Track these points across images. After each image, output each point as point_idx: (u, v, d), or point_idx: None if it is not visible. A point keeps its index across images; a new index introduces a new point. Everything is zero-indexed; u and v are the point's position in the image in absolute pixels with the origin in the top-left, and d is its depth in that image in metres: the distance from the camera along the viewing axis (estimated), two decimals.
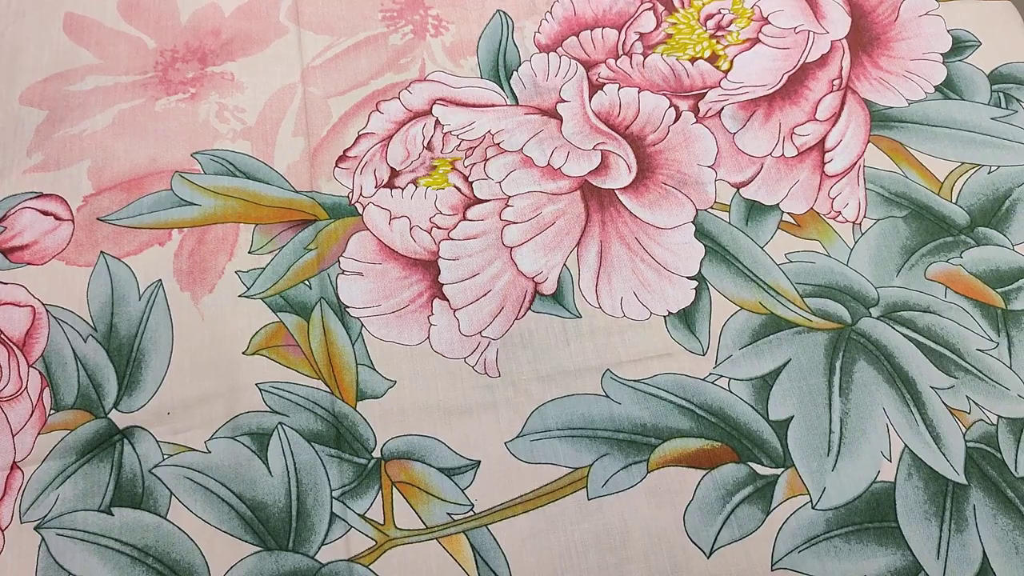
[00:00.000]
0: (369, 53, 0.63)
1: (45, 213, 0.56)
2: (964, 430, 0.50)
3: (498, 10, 0.65)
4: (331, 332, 0.53)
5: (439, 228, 0.56)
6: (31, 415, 0.50)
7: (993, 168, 0.57)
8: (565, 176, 0.58)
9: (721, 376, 0.52)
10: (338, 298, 0.54)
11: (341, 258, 0.55)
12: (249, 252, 0.55)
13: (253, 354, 0.53)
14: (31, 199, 0.57)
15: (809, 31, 0.63)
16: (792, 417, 0.51)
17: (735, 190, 0.57)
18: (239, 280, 0.55)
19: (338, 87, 0.62)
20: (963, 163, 0.58)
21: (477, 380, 0.52)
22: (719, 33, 0.63)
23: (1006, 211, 0.56)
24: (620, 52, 0.63)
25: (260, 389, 0.52)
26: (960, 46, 0.62)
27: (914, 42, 0.62)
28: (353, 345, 0.53)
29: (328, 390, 0.52)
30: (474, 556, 0.48)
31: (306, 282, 0.55)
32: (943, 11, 0.63)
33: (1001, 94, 0.60)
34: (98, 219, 0.56)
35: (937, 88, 0.61)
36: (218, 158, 0.58)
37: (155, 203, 0.57)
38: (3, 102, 0.60)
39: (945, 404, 0.51)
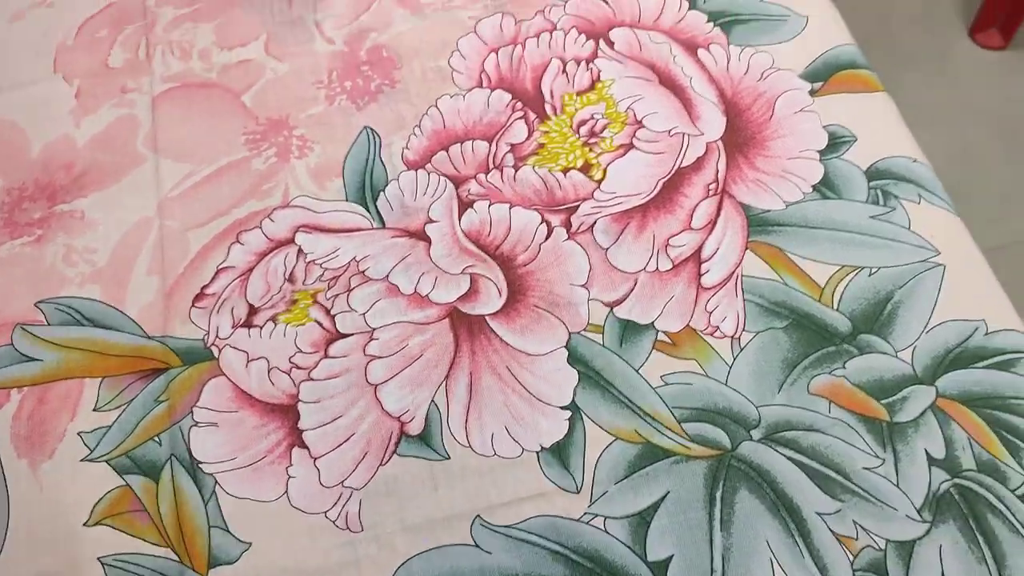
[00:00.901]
0: (231, 180, 0.61)
1: None
2: (852, 558, 0.48)
3: (365, 127, 0.63)
4: (182, 492, 0.50)
5: (299, 368, 0.53)
6: None
7: (874, 270, 0.56)
8: (433, 304, 0.55)
9: (596, 515, 0.49)
10: (190, 453, 0.51)
11: (194, 408, 0.52)
12: (94, 409, 0.52)
13: (95, 524, 0.49)
14: None
15: (684, 133, 0.61)
16: (672, 556, 0.48)
17: (608, 309, 0.55)
18: (81, 442, 0.51)
19: (198, 218, 0.59)
20: (843, 266, 0.56)
21: (338, 536, 0.49)
22: (592, 140, 0.61)
23: (888, 315, 0.54)
24: (491, 165, 0.61)
25: (102, 563, 0.48)
26: (836, 142, 0.61)
27: (790, 140, 0.61)
28: (206, 505, 0.50)
29: (177, 559, 0.48)
30: None
31: (156, 438, 0.51)
32: (817, 106, 0.62)
33: (879, 190, 0.59)
34: None
35: (815, 187, 0.59)
36: (63, 306, 0.55)
37: None
38: None
39: (832, 531, 0.48)
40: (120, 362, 0.53)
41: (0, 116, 0.62)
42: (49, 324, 0.55)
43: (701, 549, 0.48)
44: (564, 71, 0.65)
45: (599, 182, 0.60)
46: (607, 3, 0.68)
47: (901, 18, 1.66)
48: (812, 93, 0.63)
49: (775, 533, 0.48)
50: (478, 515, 0.49)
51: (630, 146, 0.61)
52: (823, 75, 0.64)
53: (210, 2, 0.68)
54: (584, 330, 0.54)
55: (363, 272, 0.56)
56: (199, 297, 0.56)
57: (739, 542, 0.48)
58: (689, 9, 0.67)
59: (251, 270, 0.57)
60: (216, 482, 0.50)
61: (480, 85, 0.64)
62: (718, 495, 0.50)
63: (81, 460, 0.51)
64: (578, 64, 0.65)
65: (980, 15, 1.59)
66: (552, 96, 0.64)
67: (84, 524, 0.49)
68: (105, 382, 0.53)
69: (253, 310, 0.55)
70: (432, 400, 0.52)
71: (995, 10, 1.57)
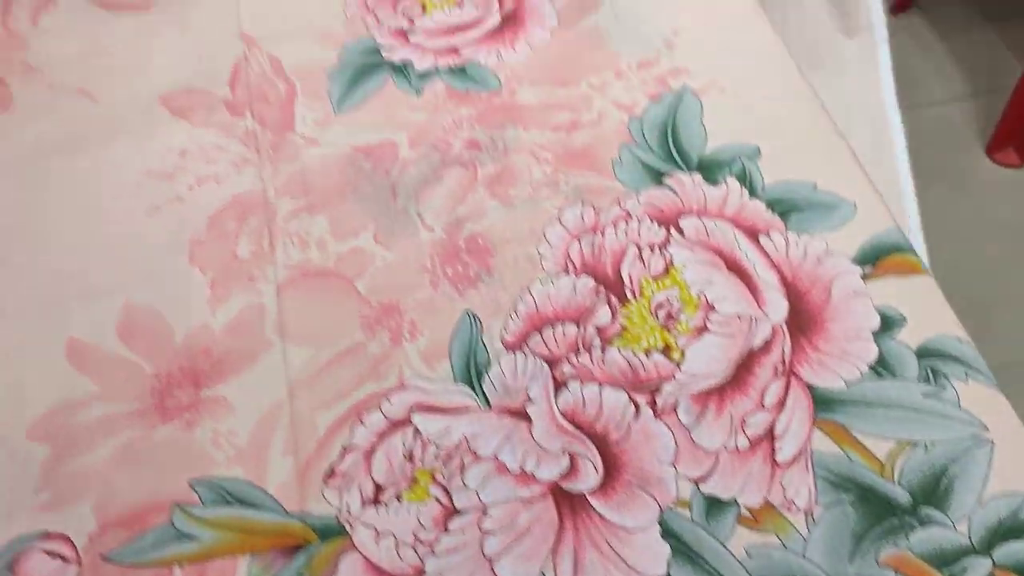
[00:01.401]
0: (351, 362, 0.69)
1: (52, 555, 0.60)
2: None
3: (466, 311, 0.71)
4: None
5: (422, 543, 0.60)
6: None
7: (929, 445, 0.63)
8: (538, 481, 0.62)
9: None
10: None
11: None
12: None
13: None
14: (40, 539, 0.61)
15: (752, 317, 0.69)
16: None
17: (695, 485, 0.62)
18: None
19: (324, 400, 0.67)
20: (901, 441, 0.63)
21: None
22: (669, 323, 0.69)
23: (944, 489, 0.61)
24: (580, 347, 0.68)
25: None
26: (888, 323, 0.68)
27: (847, 323, 0.68)
28: None
29: None
30: None
31: None
32: (870, 289, 0.70)
33: (929, 369, 0.66)
34: (102, 559, 0.60)
35: (871, 367, 0.66)
36: (215, 486, 0.63)
37: (156, 539, 0.61)
38: (10, 441, 0.65)
39: None
40: (266, 539, 0.60)
41: (145, 306, 0.71)
42: (203, 504, 0.62)
43: None
44: (640, 257, 0.73)
45: (679, 363, 0.67)
46: (675, 193, 0.76)
47: (921, 138, 1.76)
48: (864, 277, 0.71)
49: None
50: None
51: (704, 328, 0.69)
52: (871, 258, 0.72)
53: (322, 195, 0.77)
54: (674, 505, 0.61)
55: (473, 451, 0.64)
56: (330, 475, 0.63)
57: None
58: (749, 197, 0.76)
59: (373, 449, 0.64)
60: None
61: (566, 271, 0.72)
62: None
63: None
64: (652, 250, 0.73)
65: (996, 135, 1.68)
66: (631, 281, 0.72)
67: None
68: (254, 559, 0.60)
69: (379, 488, 0.63)
70: (541, 573, 0.59)
71: (1010, 130, 1.66)
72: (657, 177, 0.77)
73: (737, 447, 0.63)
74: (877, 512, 0.61)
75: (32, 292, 0.73)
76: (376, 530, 0.61)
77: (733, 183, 0.76)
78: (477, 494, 0.62)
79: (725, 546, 0.60)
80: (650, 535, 0.60)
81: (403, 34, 0.92)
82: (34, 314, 0.71)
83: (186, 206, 0.77)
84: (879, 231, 0.73)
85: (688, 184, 0.76)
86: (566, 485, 0.62)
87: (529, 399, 0.66)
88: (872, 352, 0.67)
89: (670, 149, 0.78)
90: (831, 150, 0.77)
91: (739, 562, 0.59)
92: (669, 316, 0.70)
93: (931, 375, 0.66)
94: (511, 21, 0.93)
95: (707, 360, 0.67)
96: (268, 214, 0.76)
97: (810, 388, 0.66)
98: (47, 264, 0.75)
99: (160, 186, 0.79)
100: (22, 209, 0.79)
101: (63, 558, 0.61)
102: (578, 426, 0.64)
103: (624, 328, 0.69)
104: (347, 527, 0.61)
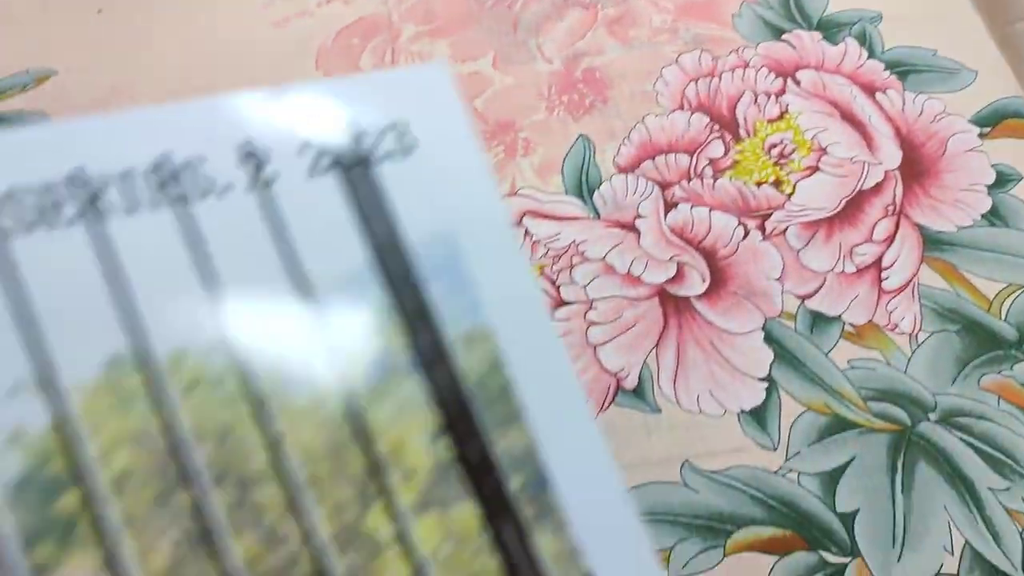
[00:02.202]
0: None
1: None
2: (1020, 529, 0.54)
3: (581, 134, 0.72)
4: None
5: None
6: None
7: None
8: (644, 283, 0.63)
9: (791, 470, 0.56)
10: None
11: None
12: None
13: None
14: None
15: (864, 161, 0.69)
16: (858, 510, 0.55)
17: (800, 301, 0.62)
18: None
19: None
20: (1010, 284, 0.63)
21: None
22: (782, 161, 0.70)
23: None
24: (692, 175, 0.69)
25: None
26: (1003, 179, 0.68)
27: (961, 175, 0.69)
28: None
29: None
30: None
31: None
32: (986, 147, 0.70)
33: None
34: None
35: (984, 216, 0.66)
36: None
37: None
38: None
39: (1002, 504, 0.54)
40: None
41: None
42: None
43: (885, 507, 0.55)
44: (756, 102, 0.73)
45: (789, 196, 0.68)
46: (794, 47, 0.77)
47: None
48: (980, 136, 0.71)
49: (951, 500, 0.55)
50: (686, 460, 0.57)
51: (816, 168, 0.69)
52: (991, 121, 0.72)
53: (445, 22, 0.79)
54: (778, 317, 0.62)
55: (582, 253, 0.65)
56: None
57: (919, 504, 0.55)
58: (868, 58, 0.76)
59: None
60: None
61: (681, 108, 0.73)
62: (899, 463, 0.56)
63: None
64: (768, 97, 0.74)
65: None
66: (745, 122, 0.72)
67: None
68: None
69: None
70: (644, 363, 0.60)
71: None
72: (776, 33, 0.78)
73: (844, 271, 0.64)
74: (982, 343, 0.61)
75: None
76: None
77: (852, 43, 0.77)
78: (584, 290, 0.63)
79: (828, 356, 0.60)
80: (754, 339, 0.61)
81: None
82: None
83: (314, 20, 0.79)
84: (1000, 97, 0.73)
85: (807, 40, 0.77)
86: (672, 289, 0.63)
87: (639, 215, 0.67)
88: (986, 203, 0.67)
89: (791, 7, 0.79)
90: (957, 19, 0.77)
91: (840, 371, 0.59)
92: (782, 155, 0.70)
93: None
94: None
95: (817, 195, 0.68)
96: (392, 35, 0.78)
97: (920, 229, 0.66)
98: (166, 78, 0.78)
99: (288, 2, 0.81)
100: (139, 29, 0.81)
101: None
102: (686, 241, 0.65)
103: (736, 162, 0.70)
104: None
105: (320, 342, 0.31)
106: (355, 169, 0.34)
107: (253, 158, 0.32)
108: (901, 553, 0.53)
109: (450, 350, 0.32)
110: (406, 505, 0.30)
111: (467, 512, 0.31)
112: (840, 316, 0.62)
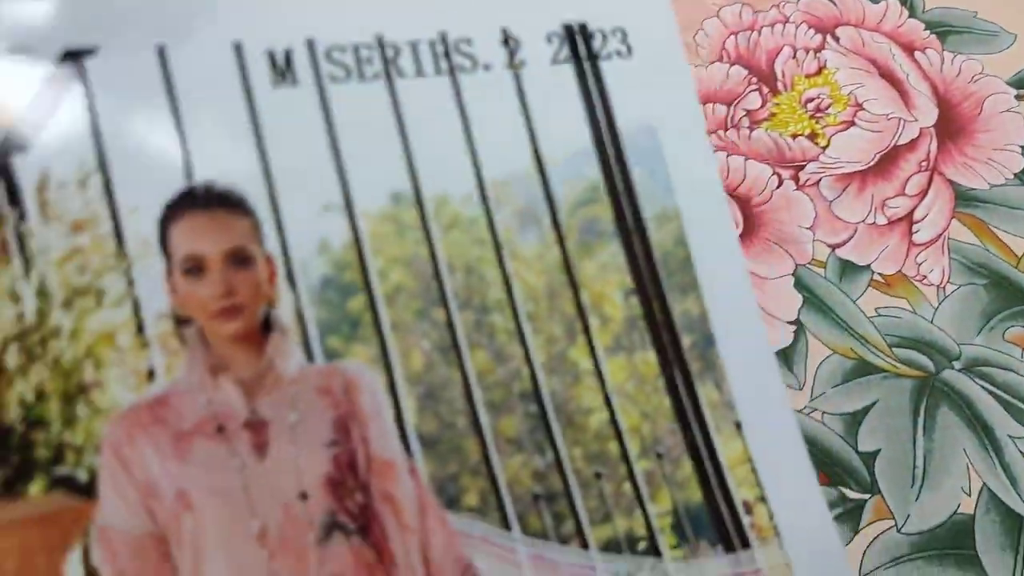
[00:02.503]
0: None
1: None
2: None
3: None
4: None
5: None
6: None
7: None
8: None
9: (815, 409, 0.57)
10: None
11: None
12: None
13: None
14: None
15: (900, 119, 0.70)
16: (879, 450, 0.56)
17: (831, 250, 0.64)
18: None
19: None
20: None
21: None
22: (818, 114, 0.71)
23: None
24: (728, 125, 0.70)
25: None
26: None
27: (996, 134, 0.69)
28: None
29: None
30: None
31: None
32: (1022, 109, 0.71)
33: None
34: None
35: (1016, 175, 0.67)
36: None
37: None
38: None
39: (1020, 451, 0.56)
40: None
41: None
42: None
43: (905, 448, 0.56)
44: (794, 56, 0.74)
45: (824, 148, 0.69)
46: (835, 4, 0.77)
47: None
48: (1017, 98, 0.71)
49: (971, 444, 0.56)
50: None
51: (852, 123, 0.70)
52: None
53: None
54: (809, 264, 0.63)
55: None
56: None
57: (939, 447, 0.56)
58: (908, 17, 0.76)
59: None
60: None
61: (720, 60, 0.74)
62: (922, 407, 0.58)
63: None
64: (807, 52, 0.75)
65: None
66: (783, 75, 0.73)
67: None
68: None
69: None
70: None
71: None
72: None
73: (875, 223, 0.65)
74: (1008, 297, 0.62)
75: None
76: None
77: (893, 2, 0.77)
78: None
79: (856, 303, 0.61)
80: (784, 284, 0.62)
81: None
82: None
83: None
84: None
85: None
86: None
87: None
88: (1019, 162, 0.68)
89: None
90: None
91: (867, 318, 0.61)
92: (818, 109, 0.71)
93: None
94: None
95: (852, 149, 0.69)
96: None
97: (953, 185, 0.67)
98: None
99: None
100: None
101: None
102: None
103: (773, 115, 0.71)
104: None
105: (547, 204, 0.42)
106: (586, 63, 0.46)
107: (511, 42, 0.42)
108: (919, 492, 0.54)
109: (645, 224, 0.42)
110: (602, 346, 0.39)
111: (648, 359, 0.41)
112: (869, 265, 0.63)
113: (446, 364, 0.37)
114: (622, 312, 0.40)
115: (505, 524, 0.43)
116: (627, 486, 0.43)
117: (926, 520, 0.53)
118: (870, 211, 0.65)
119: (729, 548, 0.48)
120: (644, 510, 0.44)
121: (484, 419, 0.39)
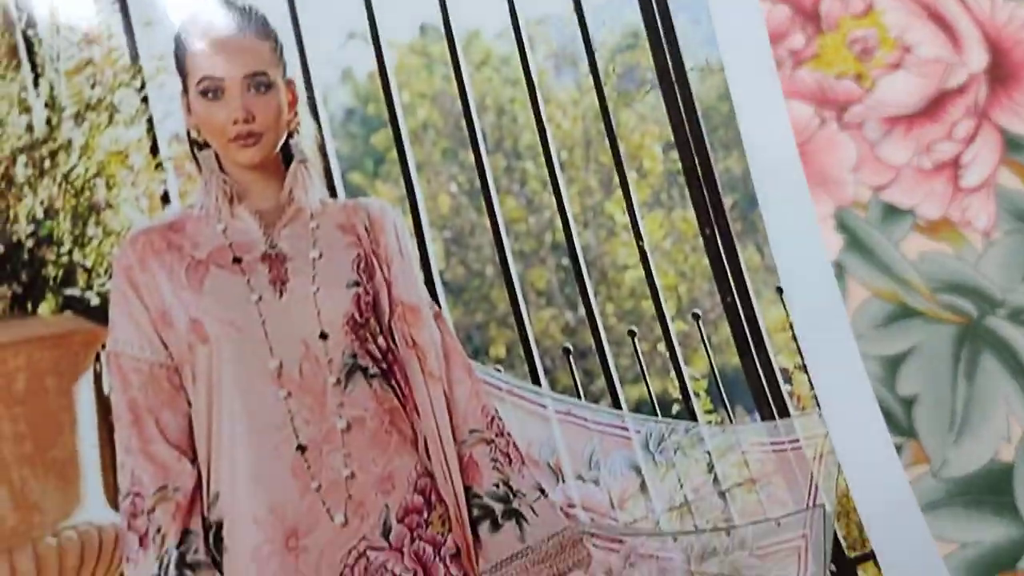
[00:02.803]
0: None
1: None
2: None
3: None
4: None
5: None
6: None
7: None
8: None
9: None
10: None
11: None
12: None
13: None
14: None
15: (949, 63, 0.68)
16: (918, 395, 0.55)
17: (873, 192, 0.62)
18: None
19: None
20: None
21: None
22: (863, 56, 0.68)
23: None
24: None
25: None
26: None
27: None
28: None
29: None
30: None
31: None
32: None
33: None
34: None
35: None
36: None
37: None
38: None
39: None
40: None
41: None
42: None
43: (945, 393, 0.55)
44: None
45: (869, 90, 0.67)
46: None
47: None
48: None
49: (1013, 392, 0.55)
50: None
51: (899, 65, 0.68)
52: None
53: None
54: (850, 206, 0.61)
55: None
56: None
57: (979, 394, 0.55)
58: None
59: None
60: None
61: None
62: (963, 353, 0.56)
63: None
64: None
65: None
66: (828, 16, 0.71)
67: None
68: None
69: None
70: None
71: None
72: None
73: (920, 166, 0.63)
74: None
75: None
76: None
77: None
78: None
79: (897, 246, 0.60)
80: (825, 225, 0.60)
81: None
82: None
83: None
84: None
85: None
86: None
87: None
88: None
89: None
90: None
91: (909, 262, 0.59)
92: (864, 50, 0.69)
93: None
94: None
95: (898, 92, 0.67)
96: None
97: (1002, 131, 0.65)
98: None
99: None
100: None
101: None
102: None
103: (817, 55, 0.69)
104: None
105: (584, 47, 0.40)
106: None
107: None
108: (958, 437, 0.53)
109: (687, 76, 0.40)
110: (639, 200, 0.37)
111: (687, 217, 0.39)
112: (912, 209, 0.61)
113: (474, 209, 0.35)
114: (661, 166, 0.38)
115: (534, 378, 0.42)
116: (661, 347, 0.42)
117: (963, 466, 0.52)
118: (916, 154, 0.63)
119: (766, 416, 0.47)
120: (679, 372, 0.43)
121: (514, 269, 0.37)
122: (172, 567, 0.47)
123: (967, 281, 0.58)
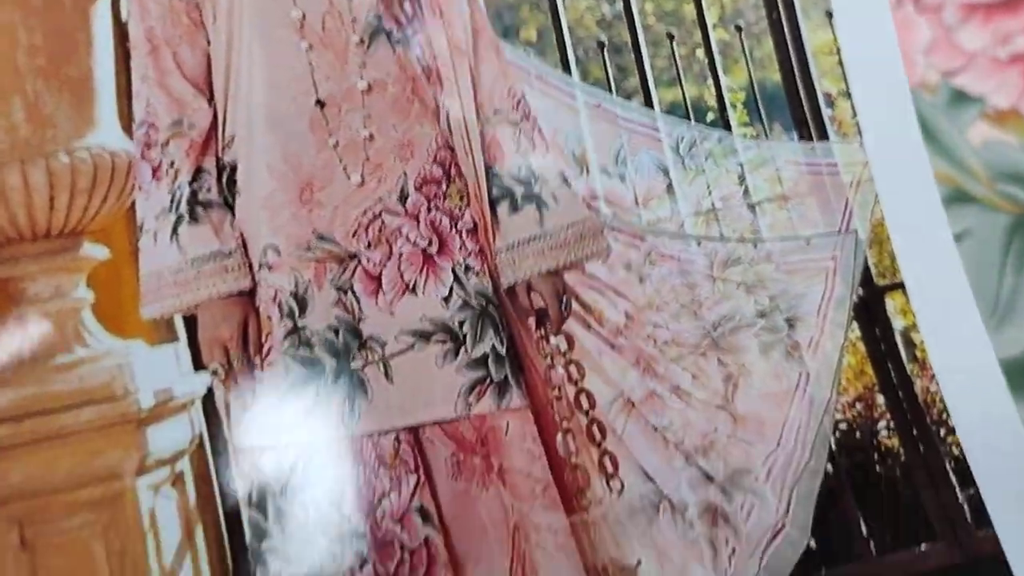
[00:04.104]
0: None
1: None
2: None
3: None
4: None
5: None
6: None
7: None
8: None
9: None
10: None
11: None
12: None
13: None
14: None
15: None
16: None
17: (943, 77, 0.60)
18: None
19: None
20: None
21: None
22: None
23: None
24: None
25: None
26: None
27: None
28: None
29: None
30: None
31: None
32: None
33: None
34: None
35: None
36: None
37: None
38: None
39: None
40: None
41: None
42: None
43: (991, 280, 0.54)
44: None
45: None
46: None
47: None
48: None
49: None
50: None
51: None
52: None
53: None
54: (918, 87, 0.59)
55: None
56: None
57: None
58: None
59: None
60: None
61: None
62: (1014, 244, 0.55)
63: None
64: None
65: None
66: None
67: None
68: None
69: None
70: None
71: None
72: None
73: (996, 56, 0.61)
74: None
75: None
76: None
77: None
78: None
79: (963, 132, 0.58)
80: None
81: None
82: None
83: None
84: None
85: None
86: None
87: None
88: None
89: None
90: None
91: (972, 148, 0.57)
92: None
93: None
94: None
95: None
96: None
97: None
98: None
99: None
100: None
101: None
102: None
103: None
104: None
105: None
106: None
107: None
108: (999, 324, 0.52)
109: None
110: None
111: None
112: (982, 97, 0.59)
113: None
114: None
115: (565, 67, 0.41)
116: (700, 53, 0.41)
117: (1002, 351, 0.51)
118: (992, 43, 0.61)
119: (805, 136, 0.46)
120: (717, 81, 0.42)
121: None
122: (184, 202, 0.46)
123: None
